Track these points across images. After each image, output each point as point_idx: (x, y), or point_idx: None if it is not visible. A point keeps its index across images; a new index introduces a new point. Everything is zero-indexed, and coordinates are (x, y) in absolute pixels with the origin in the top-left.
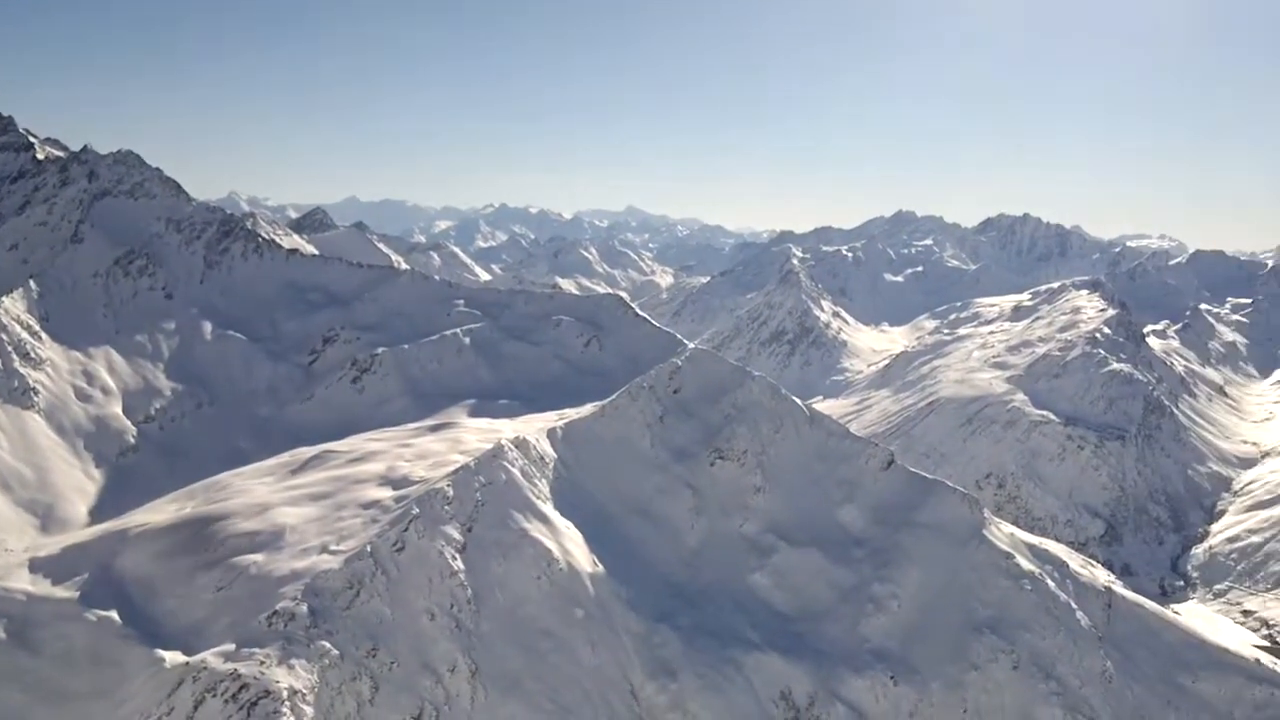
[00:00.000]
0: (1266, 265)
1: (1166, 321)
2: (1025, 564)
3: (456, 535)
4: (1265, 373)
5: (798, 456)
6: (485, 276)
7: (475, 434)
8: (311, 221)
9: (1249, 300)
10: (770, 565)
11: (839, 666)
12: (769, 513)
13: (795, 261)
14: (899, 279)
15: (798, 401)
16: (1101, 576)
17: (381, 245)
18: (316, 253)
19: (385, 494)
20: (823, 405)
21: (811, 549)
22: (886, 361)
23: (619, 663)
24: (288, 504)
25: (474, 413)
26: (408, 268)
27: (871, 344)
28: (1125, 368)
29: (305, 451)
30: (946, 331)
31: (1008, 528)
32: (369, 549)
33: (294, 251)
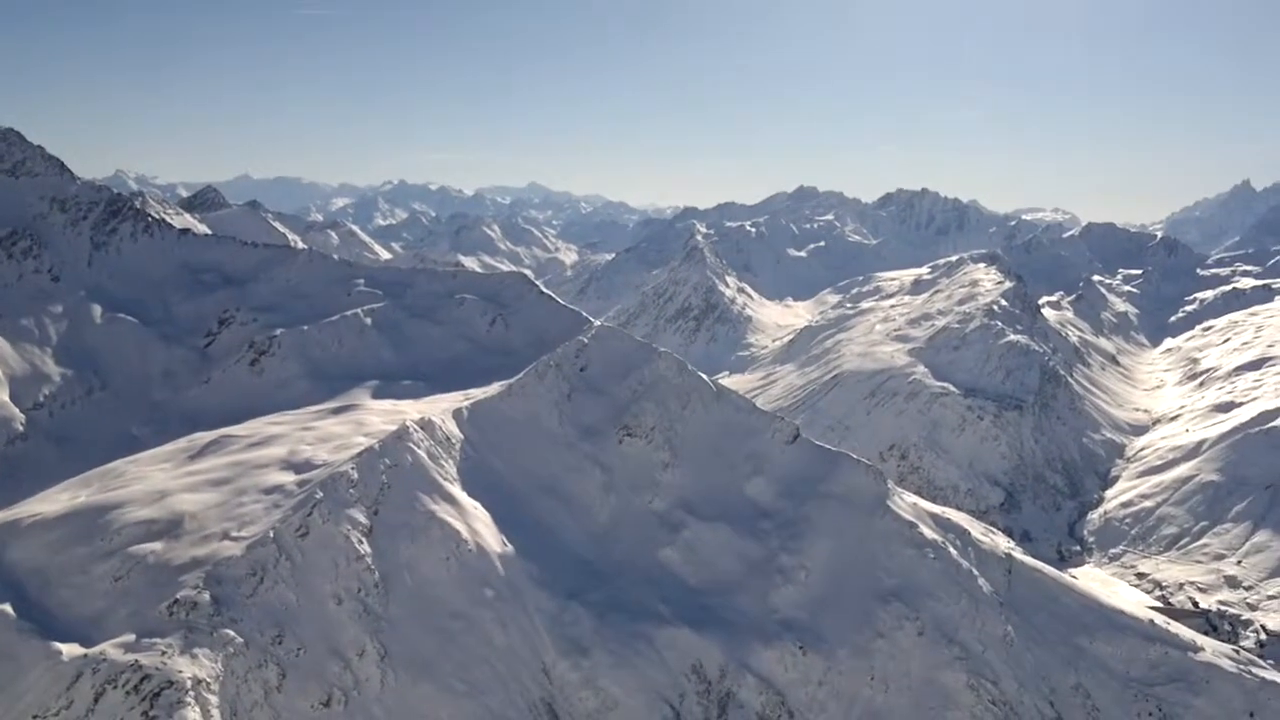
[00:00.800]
0: (1156, 236)
1: (1061, 293)
2: (928, 533)
3: (362, 519)
4: (1155, 341)
5: (705, 432)
6: (385, 255)
7: (379, 416)
8: (203, 200)
9: (1139, 271)
10: (680, 540)
11: (749, 638)
12: (678, 488)
13: (700, 238)
14: (802, 254)
15: (704, 377)
16: (1002, 543)
17: (277, 224)
18: (209, 232)
19: (288, 478)
20: (729, 380)
21: (720, 523)
22: (791, 336)
23: (530, 642)
24: (186, 491)
25: (377, 394)
26: (305, 247)
27: (776, 319)
28: (1022, 339)
29: (203, 436)
30: (849, 306)
31: (911, 498)
32: (272, 534)
33: (185, 231)
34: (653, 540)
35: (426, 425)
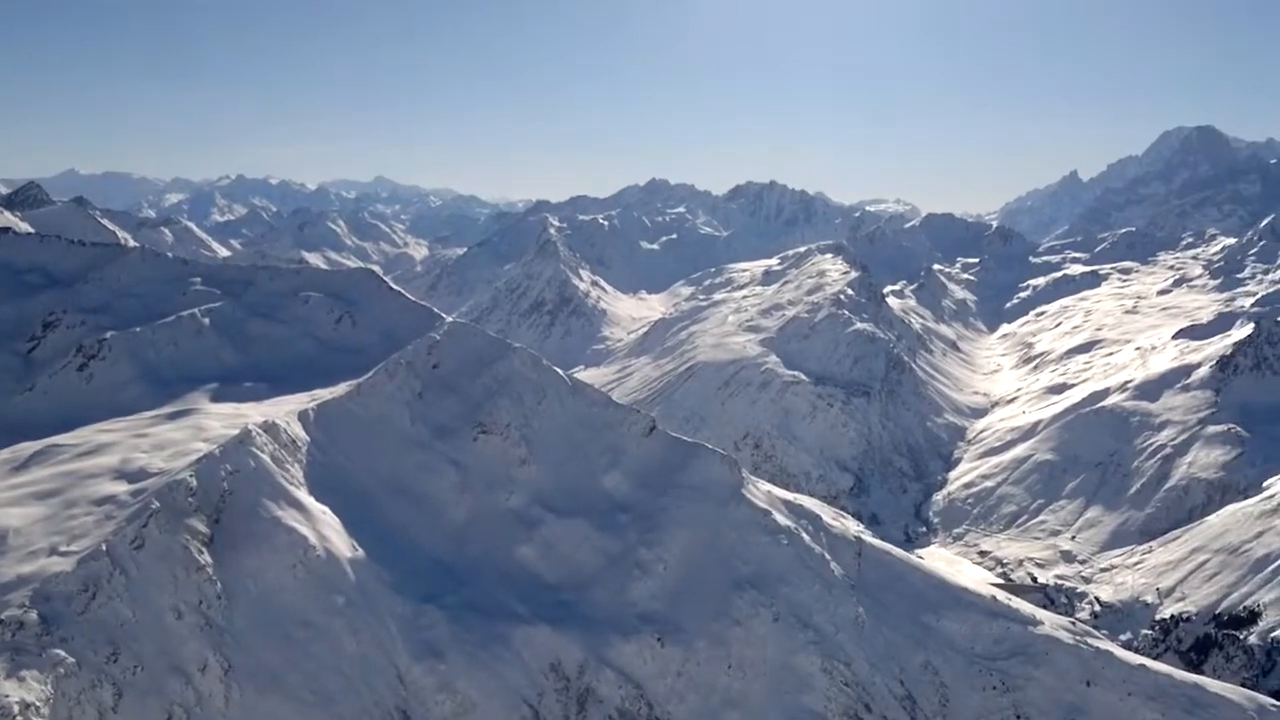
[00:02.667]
0: (991, 226)
1: (904, 281)
2: (782, 520)
3: (202, 528)
4: (993, 327)
5: (561, 427)
6: (224, 252)
7: (219, 420)
8: (25, 197)
9: (976, 260)
10: (537, 537)
11: (608, 632)
12: (535, 484)
13: (552, 231)
14: (655, 247)
15: (560, 372)
16: (852, 527)
17: (106, 221)
18: (32, 231)
19: (121, 488)
20: (585, 374)
21: (578, 518)
22: (646, 329)
23: (383, 648)
24: (10, 504)
25: (217, 397)
26: (136, 245)
27: (631, 312)
28: (868, 327)
29: (28, 447)
30: (702, 297)
31: (765, 486)
32: (104, 548)
33: (6, 230)
34: (510, 538)
35: (270, 428)
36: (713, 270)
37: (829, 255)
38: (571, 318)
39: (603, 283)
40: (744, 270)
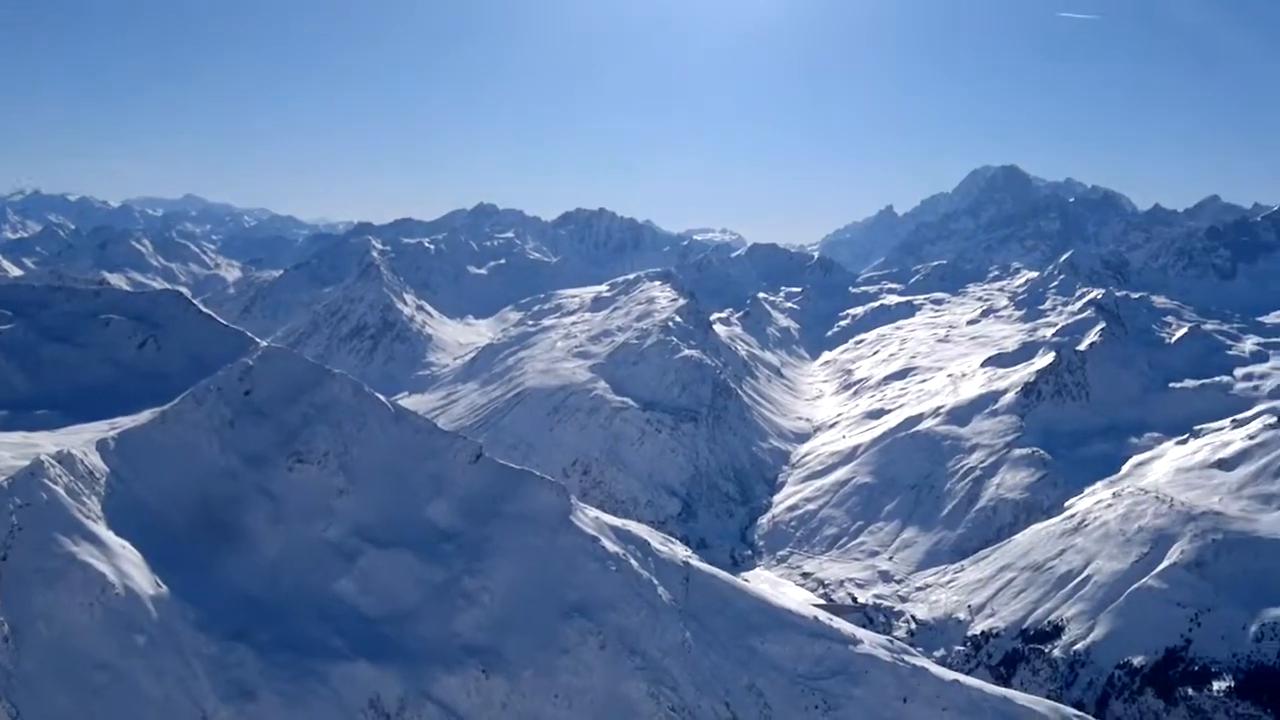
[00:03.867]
0: (813, 257)
1: (730, 309)
2: (611, 546)
3: None
4: (815, 354)
5: (383, 455)
6: (16, 271)
7: (8, 450)
8: None
9: (799, 289)
10: (356, 569)
11: (430, 666)
12: (354, 515)
13: (375, 254)
14: (483, 271)
15: (382, 398)
16: (680, 552)
17: None
18: None
19: None
20: (409, 401)
21: (400, 548)
22: (473, 354)
23: (188, 689)
24: None
25: (6, 426)
26: None
27: (457, 337)
28: (696, 353)
29: None
30: (531, 323)
31: (593, 512)
32: None
33: None
34: (326, 571)
35: (65, 459)
36: (542, 296)
37: (658, 282)
38: (395, 343)
39: (428, 307)
40: (574, 296)
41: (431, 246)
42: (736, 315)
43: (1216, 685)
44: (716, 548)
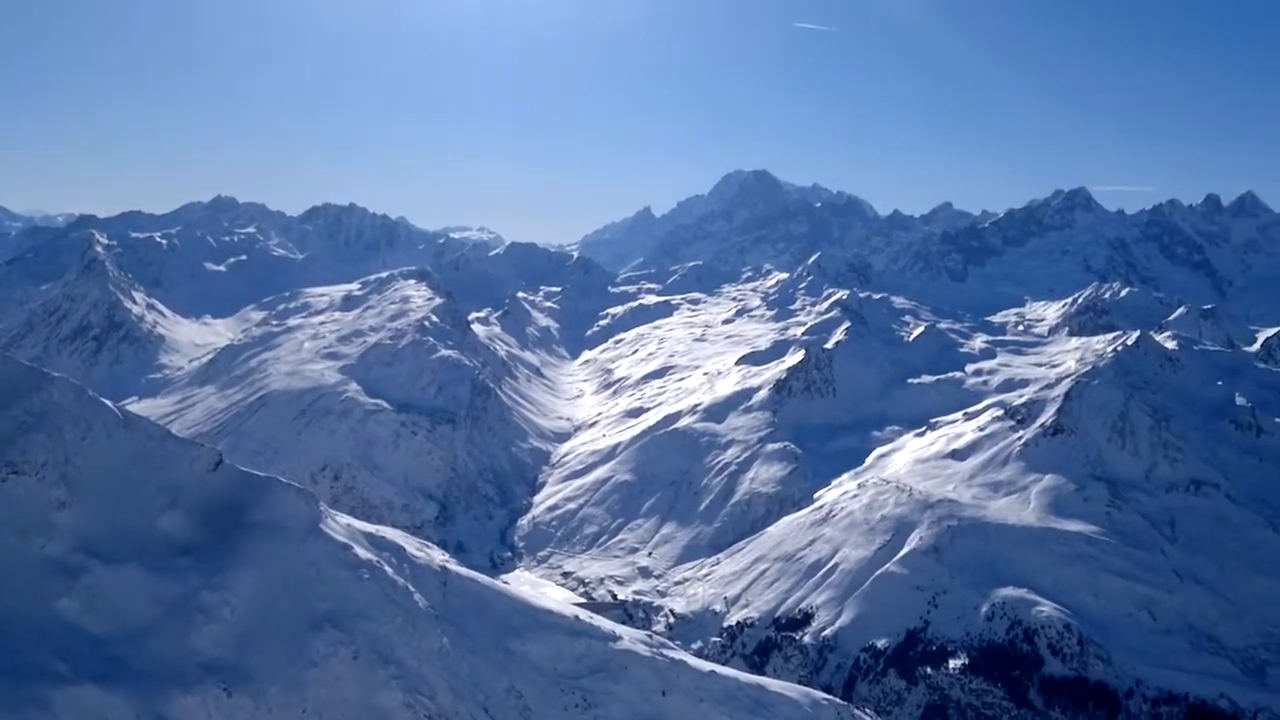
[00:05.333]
0: (572, 256)
1: (489, 309)
2: (363, 553)
3: None
4: (575, 354)
5: (110, 465)
6: None
7: None
8: None
9: (559, 288)
10: (80, 587)
11: (165, 686)
12: (77, 529)
13: (100, 249)
14: (221, 268)
15: (108, 404)
16: (437, 557)
17: None
18: None
19: None
20: (139, 406)
21: (130, 564)
22: (211, 356)
23: None
24: None
25: None
26: None
27: (193, 338)
28: (453, 354)
29: None
30: (275, 323)
31: (345, 519)
32: None
33: None
34: (47, 590)
35: None
36: (287, 294)
37: (413, 281)
38: (123, 344)
39: (160, 306)
40: (322, 295)
41: (164, 241)
42: (495, 315)
43: (952, 663)
44: (476, 551)
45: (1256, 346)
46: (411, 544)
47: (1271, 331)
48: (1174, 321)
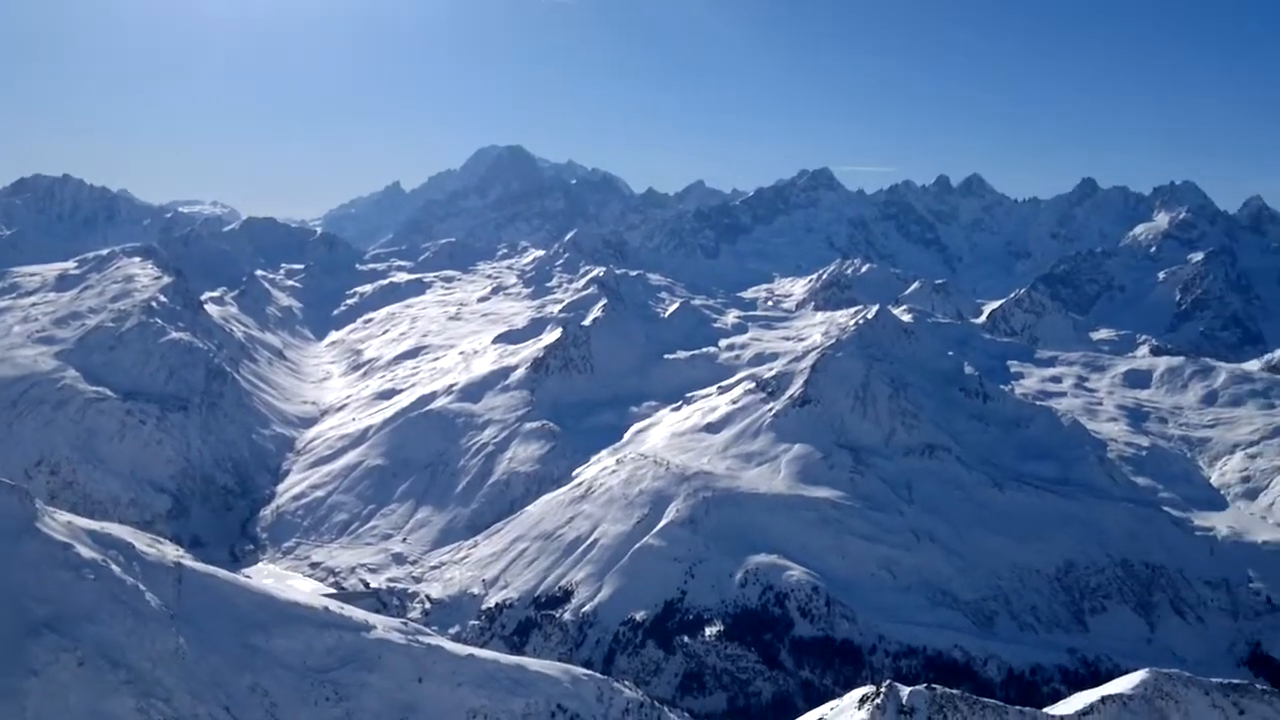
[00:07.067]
0: (316, 232)
1: (224, 288)
2: (86, 552)
3: None
4: (321, 335)
5: None
6: None
7: None
8: None
9: (302, 266)
10: None
11: None
12: None
13: None
14: None
15: None
16: (170, 553)
17: None
18: None
19: None
20: None
21: None
22: None
23: None
24: None
25: None
26: None
27: None
28: (185, 336)
29: None
30: None
31: (65, 516)
32: None
33: None
34: None
35: None
36: None
37: (137, 259)
38: None
39: None
40: (33, 274)
41: None
42: (231, 294)
43: (709, 631)
44: (215, 545)
45: (983, 319)
46: (141, 540)
47: (995, 304)
48: (909, 296)
